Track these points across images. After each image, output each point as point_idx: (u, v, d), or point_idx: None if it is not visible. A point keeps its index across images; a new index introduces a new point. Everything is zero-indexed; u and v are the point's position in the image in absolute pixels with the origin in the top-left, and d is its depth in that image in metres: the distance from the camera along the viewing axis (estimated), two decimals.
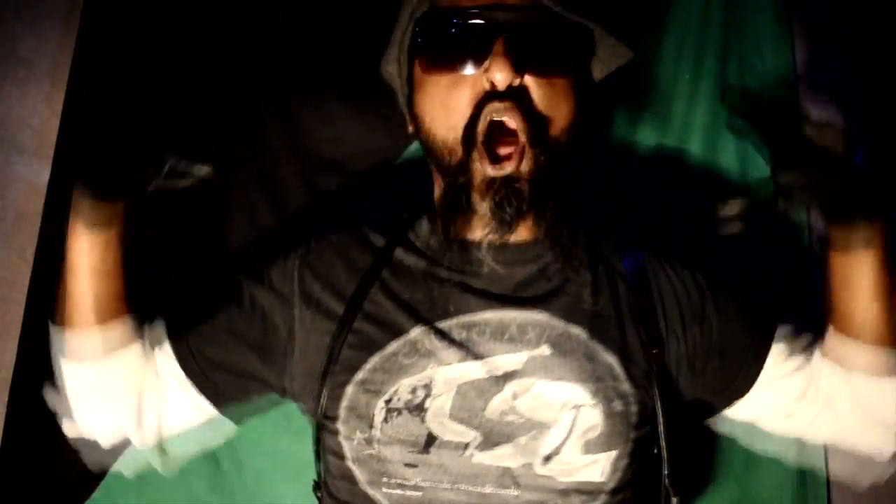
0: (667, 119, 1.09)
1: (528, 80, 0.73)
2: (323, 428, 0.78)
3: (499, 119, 0.72)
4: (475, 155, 0.73)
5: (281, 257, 0.85)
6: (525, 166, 0.73)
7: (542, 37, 0.74)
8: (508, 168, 0.72)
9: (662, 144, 1.09)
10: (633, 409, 0.75)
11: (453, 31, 0.75)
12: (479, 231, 0.77)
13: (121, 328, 0.79)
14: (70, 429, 0.81)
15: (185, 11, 1.07)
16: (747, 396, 0.82)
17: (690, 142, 1.09)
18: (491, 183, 0.73)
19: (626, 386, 0.76)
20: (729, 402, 0.83)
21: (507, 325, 0.76)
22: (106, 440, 0.81)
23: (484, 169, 0.73)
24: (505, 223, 0.74)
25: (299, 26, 1.09)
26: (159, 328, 0.83)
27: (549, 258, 0.80)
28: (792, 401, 0.80)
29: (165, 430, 0.83)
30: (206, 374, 0.81)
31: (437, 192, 0.84)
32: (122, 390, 0.79)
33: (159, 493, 1.02)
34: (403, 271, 0.81)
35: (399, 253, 0.83)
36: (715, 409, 0.85)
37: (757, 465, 1.04)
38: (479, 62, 0.73)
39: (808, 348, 0.81)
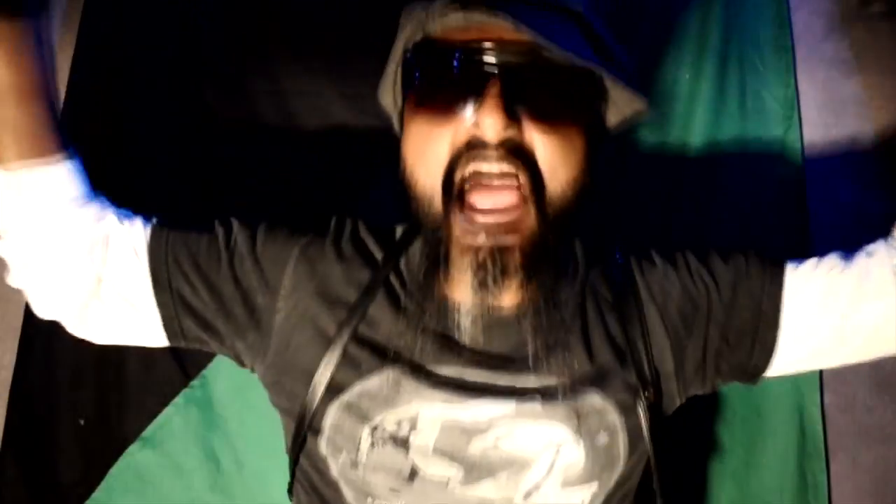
0: (667, 119, 1.09)
1: (526, 129, 0.65)
2: (304, 435, 0.76)
3: (487, 169, 0.64)
4: (454, 209, 0.66)
5: (280, 233, 0.80)
6: (519, 223, 0.66)
7: (543, 82, 0.65)
8: (497, 222, 0.65)
9: (662, 144, 1.09)
10: (621, 438, 0.74)
11: (443, 68, 0.66)
12: (461, 292, 0.71)
13: (58, 168, 0.72)
14: (14, 280, 0.78)
15: (185, 12, 1.07)
16: (785, 354, 0.78)
17: (690, 142, 1.09)
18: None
19: (613, 416, 0.74)
20: (755, 374, 0.80)
21: (495, 380, 0.73)
22: (41, 313, 0.80)
23: (463, 229, 0.66)
24: (485, 287, 0.66)
25: (300, 25, 1.09)
26: (139, 235, 0.77)
27: (536, 325, 0.73)
28: (854, 324, 0.76)
29: (106, 338, 0.81)
30: (176, 313, 0.77)
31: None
32: (68, 265, 0.75)
33: (159, 493, 1.02)
34: (394, 302, 0.76)
35: (392, 279, 0.78)
36: (751, 381, 0.82)
37: (757, 464, 1.04)
38: (468, 106, 0.64)
39: (838, 265, 0.77)
